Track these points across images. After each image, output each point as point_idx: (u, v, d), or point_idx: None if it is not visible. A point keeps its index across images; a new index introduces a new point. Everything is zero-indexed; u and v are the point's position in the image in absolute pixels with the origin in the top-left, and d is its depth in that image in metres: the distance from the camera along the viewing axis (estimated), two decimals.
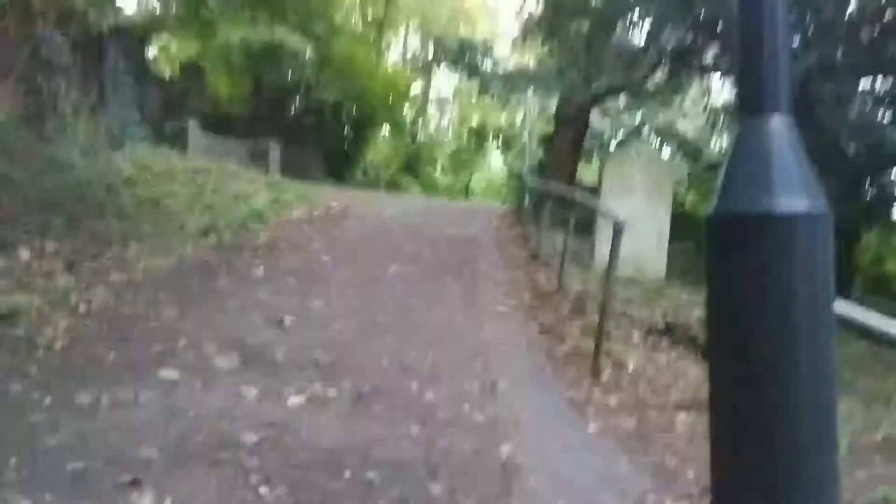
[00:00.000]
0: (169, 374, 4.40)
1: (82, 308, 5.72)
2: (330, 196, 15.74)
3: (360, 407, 4.22)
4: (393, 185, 27.34)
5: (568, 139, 16.26)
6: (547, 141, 31.65)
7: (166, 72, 21.82)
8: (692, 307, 7.34)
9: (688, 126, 34.45)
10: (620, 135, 35.37)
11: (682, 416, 4.75)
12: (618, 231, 5.52)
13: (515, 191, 33.20)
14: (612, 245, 5.57)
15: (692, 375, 5.52)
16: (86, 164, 10.90)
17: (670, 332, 6.51)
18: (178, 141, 16.49)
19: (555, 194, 10.17)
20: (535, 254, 10.20)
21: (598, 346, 5.41)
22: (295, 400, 4.18)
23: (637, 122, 35.03)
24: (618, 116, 32.33)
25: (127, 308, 5.89)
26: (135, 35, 17.77)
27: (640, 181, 9.56)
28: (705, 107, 21.43)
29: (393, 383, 4.66)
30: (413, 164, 33.36)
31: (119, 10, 16.35)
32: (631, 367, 5.51)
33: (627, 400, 4.97)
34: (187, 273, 7.39)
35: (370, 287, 7.58)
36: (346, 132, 23.26)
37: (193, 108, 20.09)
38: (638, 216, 9.50)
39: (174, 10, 17.72)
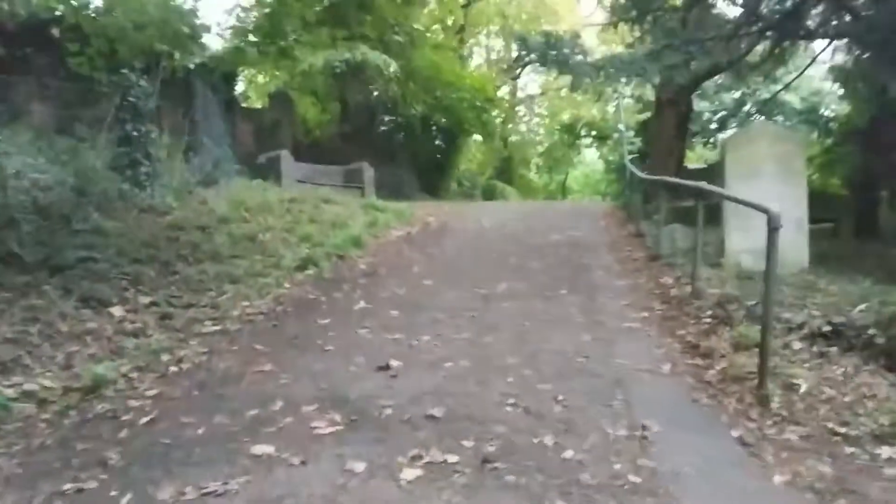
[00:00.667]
0: (264, 448, 3.75)
1: (173, 369, 5.20)
2: (426, 212, 15.15)
3: (488, 475, 3.45)
4: (489, 193, 26.60)
5: (671, 125, 15.11)
6: (644, 129, 30.37)
7: (256, 103, 21.88)
8: (853, 302, 6.21)
9: (792, 97, 32.38)
10: (721, 114, 33.63)
11: (886, 451, 3.77)
12: (774, 227, 4.56)
13: (619, 184, 31.98)
14: (769, 244, 4.60)
15: (882, 392, 4.49)
16: (180, 207, 10.67)
17: (837, 336, 5.44)
18: (271, 172, 16.24)
19: (672, 185, 9.18)
20: (654, 254, 9.22)
21: (762, 366, 4.45)
22: (409, 473, 3.45)
23: (738, 99, 33.21)
24: (715, 95, 30.58)
25: (221, 364, 5.33)
26: (221, 70, 17.67)
27: (769, 161, 8.44)
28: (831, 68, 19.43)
29: (522, 437, 3.87)
30: (507, 168, 32.61)
31: (204, 46, 16.24)
32: (804, 387, 4.53)
33: (811, 433, 4.01)
34: (284, 314, 6.83)
35: (480, 311, 6.82)
36: (437, 144, 22.68)
37: (284, 136, 19.94)
38: (770, 200, 8.40)
39: (254, 41, 17.39)
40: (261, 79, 22.22)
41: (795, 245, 8.43)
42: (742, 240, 8.35)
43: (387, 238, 11.58)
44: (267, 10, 17.35)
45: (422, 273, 8.72)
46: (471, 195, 25.25)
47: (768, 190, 8.42)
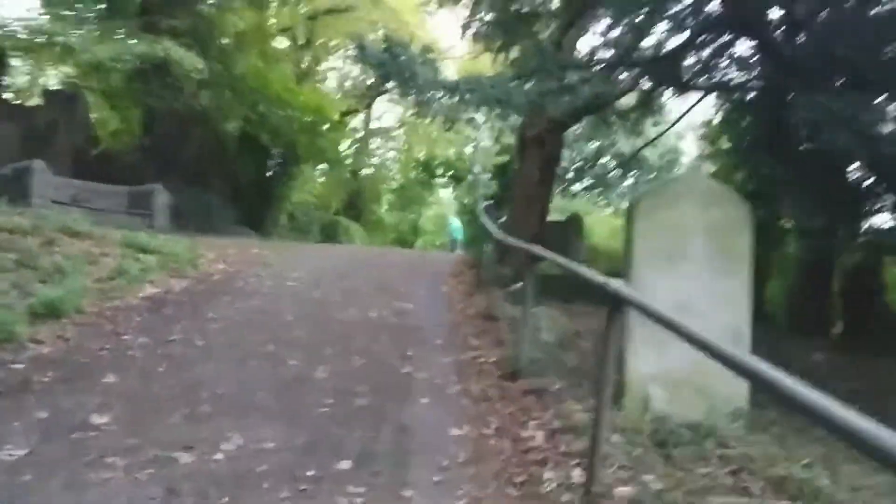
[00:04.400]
0: None
1: None
2: (221, 254, 11.05)
3: None
4: (330, 231, 22.61)
5: (535, 168, 11.89)
6: (501, 173, 27.46)
7: (28, 101, 17.00)
8: None
9: (651, 153, 30.54)
10: (578, 163, 31.38)
11: None
12: None
13: (471, 228, 28.85)
14: None
15: None
16: None
17: None
18: (17, 189, 11.69)
19: (556, 263, 5.66)
20: (514, 364, 5.65)
21: None
22: None
23: (596, 150, 31.10)
24: (574, 144, 28.16)
25: None
26: None
27: (699, 234, 5.10)
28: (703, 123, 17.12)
29: None
30: (357, 203, 28.84)
31: None
32: None
33: None
34: None
35: None
36: (262, 170, 18.51)
37: (63, 144, 15.27)
38: (698, 299, 5.05)
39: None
40: (35, 70, 17.29)
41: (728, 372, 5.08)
42: (653, 360, 4.93)
43: (124, 301, 7.44)
44: None
45: (113, 390, 4.73)
46: (306, 232, 21.21)
47: (695, 282, 5.09)
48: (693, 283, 5.05)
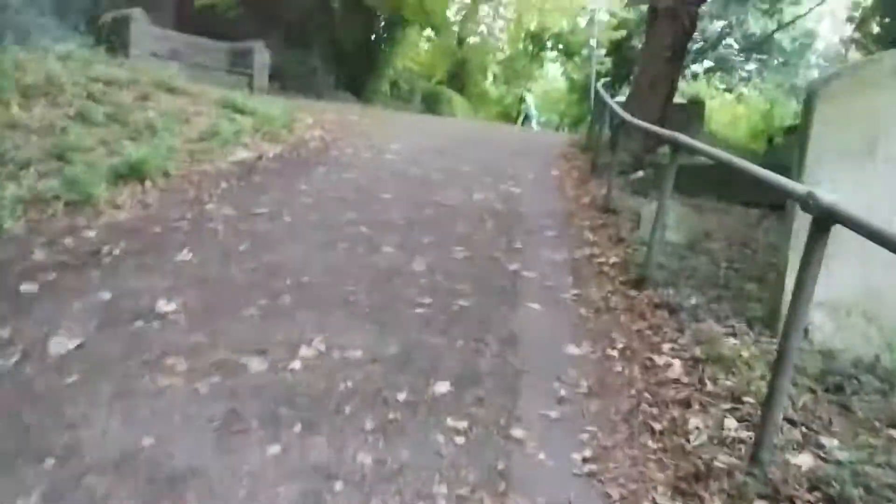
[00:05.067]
0: None
1: None
2: (321, 120, 10.39)
3: None
4: (431, 101, 21.57)
5: (666, 44, 10.44)
6: (617, 49, 25.47)
7: None
8: None
9: (783, 36, 27.58)
10: (699, 45, 28.79)
11: None
12: None
13: (580, 107, 27.28)
14: None
15: None
16: None
17: None
18: (116, 38, 11.21)
19: (685, 149, 4.65)
20: (640, 273, 4.77)
21: None
22: None
23: (720, 31, 28.34)
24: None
25: None
26: None
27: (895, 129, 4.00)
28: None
29: None
30: (461, 73, 27.48)
31: None
32: None
33: None
34: None
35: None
36: (366, 32, 17.44)
37: None
38: (884, 203, 4.01)
39: None
40: None
41: None
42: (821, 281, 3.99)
43: (213, 164, 6.90)
44: None
45: (187, 272, 4.17)
46: (408, 101, 20.28)
47: (887, 184, 4.03)
48: (882, 184, 3.99)
